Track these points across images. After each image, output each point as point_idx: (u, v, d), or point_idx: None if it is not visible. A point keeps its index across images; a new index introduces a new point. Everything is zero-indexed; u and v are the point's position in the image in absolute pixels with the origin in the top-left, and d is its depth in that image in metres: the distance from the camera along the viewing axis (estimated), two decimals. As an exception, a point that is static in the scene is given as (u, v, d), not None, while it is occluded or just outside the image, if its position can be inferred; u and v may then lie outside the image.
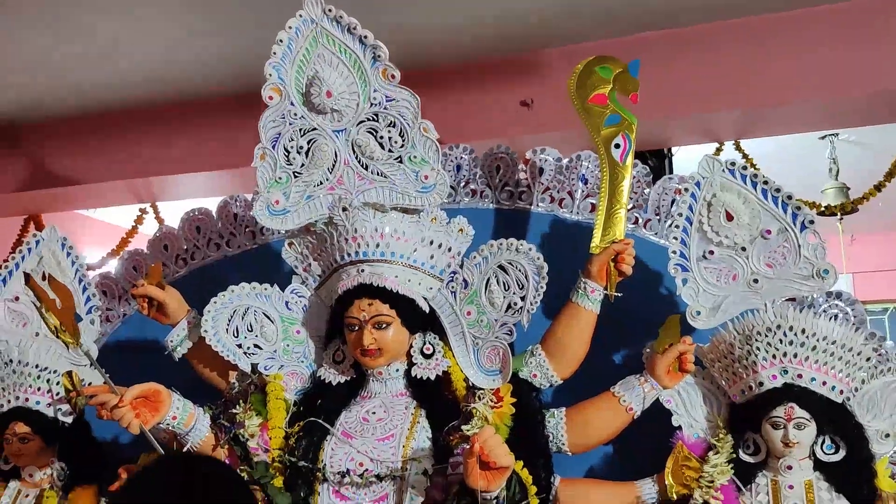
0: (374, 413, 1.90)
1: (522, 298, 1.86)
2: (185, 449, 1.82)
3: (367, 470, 1.79)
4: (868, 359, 1.78)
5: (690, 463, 1.84)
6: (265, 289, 2.01)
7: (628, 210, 1.98)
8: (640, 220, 2.22)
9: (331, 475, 1.80)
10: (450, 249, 1.95)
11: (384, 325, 1.86)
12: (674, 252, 1.93)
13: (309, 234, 2.02)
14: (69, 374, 2.02)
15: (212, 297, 1.98)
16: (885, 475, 1.80)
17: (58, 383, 2.15)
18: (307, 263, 2.04)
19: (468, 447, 1.64)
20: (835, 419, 1.76)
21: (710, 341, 1.90)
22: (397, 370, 1.94)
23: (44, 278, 1.87)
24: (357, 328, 1.87)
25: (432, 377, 1.91)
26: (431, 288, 1.95)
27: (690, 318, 1.91)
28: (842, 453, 1.77)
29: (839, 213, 4.45)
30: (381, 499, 1.80)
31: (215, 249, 2.55)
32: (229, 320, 1.98)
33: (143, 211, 4.53)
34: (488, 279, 1.90)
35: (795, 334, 1.75)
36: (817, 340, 1.74)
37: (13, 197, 4.29)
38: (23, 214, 4.69)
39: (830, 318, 1.85)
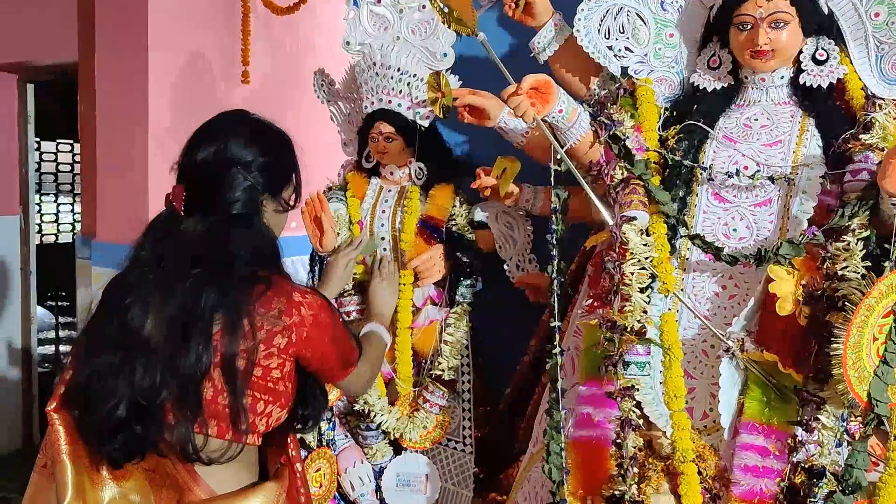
0: (756, 120, 1.84)
1: (953, -6, 1.66)
2: (567, 146, 1.86)
3: (756, 172, 1.76)
4: None
5: None
6: (641, -13, 1.93)
7: None
8: None
9: (715, 175, 1.79)
10: (864, -61, 1.75)
11: (781, 24, 1.74)
12: None
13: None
14: (437, 74, 2.08)
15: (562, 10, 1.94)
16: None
17: (417, 87, 2.24)
18: (691, -40, 1.91)
19: (891, 149, 1.56)
20: None
21: None
22: (782, 77, 1.84)
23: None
24: (750, 27, 1.76)
25: (824, 85, 1.80)
26: (834, -15, 1.78)
27: None
28: None
29: None
30: (763, 203, 1.79)
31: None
32: (601, 20, 1.94)
33: None
34: (910, -27, 1.70)
35: None
36: None
37: None
38: None
39: None
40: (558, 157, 1.79)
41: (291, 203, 1.53)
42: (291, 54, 4.01)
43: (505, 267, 2.33)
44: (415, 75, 2.24)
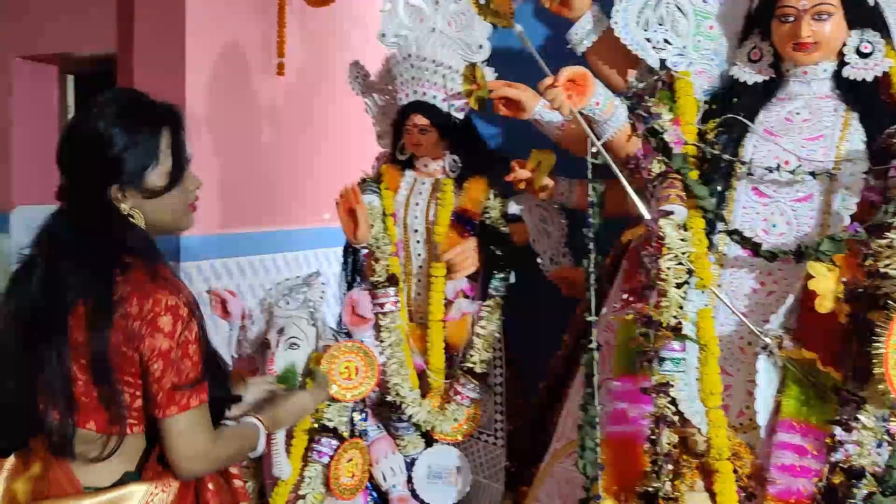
0: (798, 114, 1.81)
1: None
2: (604, 139, 1.84)
3: (797, 167, 1.73)
4: None
5: None
6: (681, -23, 1.90)
7: None
8: None
9: (755, 169, 1.77)
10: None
11: (825, 16, 1.71)
12: None
13: None
14: (472, 66, 2.08)
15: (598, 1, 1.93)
16: None
17: (452, 79, 2.24)
18: (732, -50, 1.88)
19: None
20: None
21: None
22: (825, 70, 1.80)
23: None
24: (793, 19, 1.73)
25: (868, 78, 1.76)
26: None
27: None
28: None
29: None
30: (804, 198, 1.76)
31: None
32: (640, 12, 1.91)
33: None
34: (964, -38, 1.66)
35: None
36: None
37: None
38: None
39: None
40: (595, 150, 1.78)
41: (163, 186, 1.38)
42: (327, 46, 4.03)
43: (539, 260, 2.32)
44: (450, 67, 2.24)
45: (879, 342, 1.54)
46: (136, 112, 1.39)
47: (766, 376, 1.71)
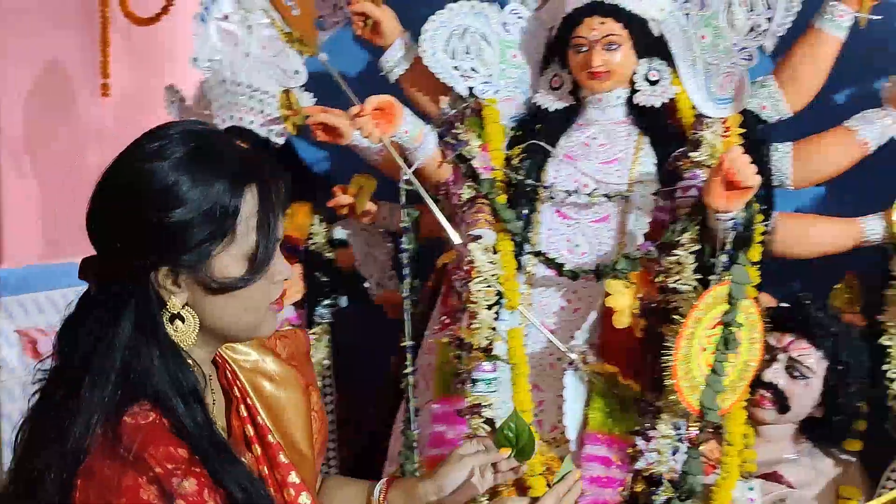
0: (594, 139, 1.90)
1: (769, 20, 1.75)
2: (415, 165, 1.87)
3: (594, 190, 1.82)
4: None
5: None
6: (483, 7, 1.96)
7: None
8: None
9: (556, 193, 1.84)
10: (688, -34, 1.82)
11: (614, 47, 1.80)
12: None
13: (531, -52, 1.93)
14: (286, 92, 2.06)
15: (411, 28, 1.95)
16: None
17: (269, 104, 2.20)
18: (529, -19, 1.95)
19: (714, 167, 1.64)
20: None
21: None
22: (619, 97, 1.90)
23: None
24: (586, 49, 1.82)
25: (657, 104, 1.87)
26: (662, 9, 1.85)
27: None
28: None
29: None
30: (602, 220, 1.85)
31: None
32: (447, 41, 1.95)
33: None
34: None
35: None
36: None
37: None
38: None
39: None
40: (406, 177, 1.81)
41: (238, 276, 0.92)
42: (153, 67, 3.87)
43: (366, 285, 2.32)
44: (266, 92, 2.20)
45: (669, 354, 1.63)
46: (210, 160, 0.92)
47: (573, 391, 1.78)
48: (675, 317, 1.66)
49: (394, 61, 2.03)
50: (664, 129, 1.87)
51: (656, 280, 1.75)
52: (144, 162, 0.90)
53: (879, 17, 1.74)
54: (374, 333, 2.34)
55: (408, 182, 1.85)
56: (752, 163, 1.83)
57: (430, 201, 1.76)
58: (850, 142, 1.83)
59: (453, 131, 1.94)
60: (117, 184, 0.92)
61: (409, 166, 1.86)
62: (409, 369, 1.91)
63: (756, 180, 1.58)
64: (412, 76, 2.05)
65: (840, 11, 1.76)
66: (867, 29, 1.78)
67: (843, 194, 2.00)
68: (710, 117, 1.83)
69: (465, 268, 1.79)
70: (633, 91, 1.88)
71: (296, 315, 2.28)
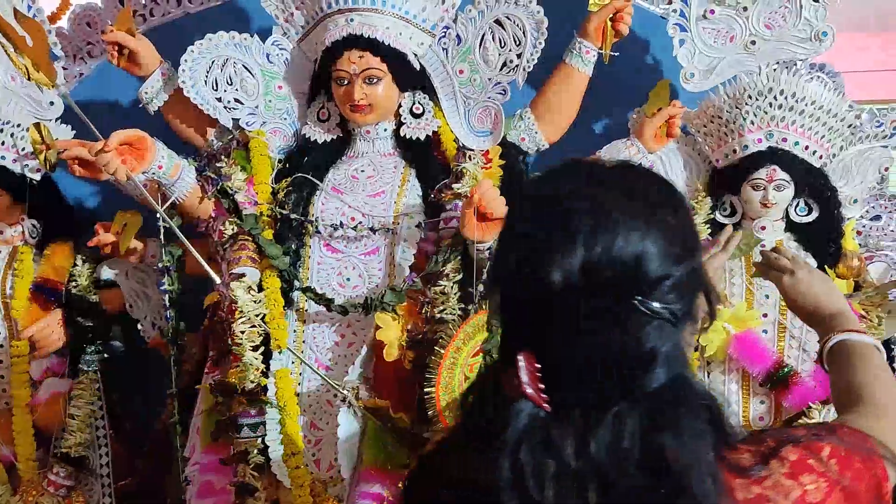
0: (362, 171, 1.89)
1: (519, 56, 1.82)
2: (169, 202, 1.78)
3: (359, 223, 1.80)
4: (849, 125, 1.83)
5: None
6: (244, 38, 1.91)
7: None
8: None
9: (322, 227, 1.81)
10: (443, 1, 1.86)
11: (375, 80, 1.81)
12: (674, 11, 1.90)
13: (290, -18, 1.90)
14: (37, 126, 1.91)
15: (172, 60, 1.88)
16: (850, 236, 1.92)
17: (22, 138, 2.04)
18: (289, 13, 1.91)
19: (466, 199, 1.67)
20: (812, 183, 1.83)
21: (699, 106, 1.92)
22: (385, 129, 1.90)
23: (16, 17, 1.69)
24: (347, 82, 1.81)
25: (422, 137, 1.89)
26: (422, 43, 1.87)
27: (683, 81, 1.91)
28: (814, 215, 1.87)
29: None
30: (371, 252, 1.84)
31: (176, 5, 2.37)
32: (208, 71, 1.89)
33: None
34: (483, 35, 1.84)
35: (785, 98, 1.78)
36: (805, 105, 1.78)
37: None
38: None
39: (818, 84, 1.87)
40: (159, 214, 1.72)
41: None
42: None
43: (140, 326, 2.18)
44: (18, 125, 2.04)
45: (431, 385, 1.64)
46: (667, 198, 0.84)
47: (346, 427, 1.75)
48: (438, 348, 1.67)
49: (152, 92, 1.93)
50: (429, 160, 1.89)
51: (423, 311, 1.76)
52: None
53: (616, 54, 1.84)
54: (151, 378, 2.21)
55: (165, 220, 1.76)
56: (515, 193, 1.90)
57: (184, 240, 1.68)
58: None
59: (217, 165, 1.87)
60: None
61: (165, 202, 1.77)
62: (175, 417, 1.82)
63: (505, 212, 1.63)
64: (176, 107, 1.96)
65: (586, 48, 1.86)
66: (616, 64, 1.89)
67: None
68: (471, 149, 1.87)
69: (226, 308, 1.73)
70: (400, 123, 1.90)
71: (58, 363, 2.11)
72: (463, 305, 1.75)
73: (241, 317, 1.72)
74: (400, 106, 1.89)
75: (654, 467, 0.75)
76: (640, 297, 0.77)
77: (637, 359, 0.77)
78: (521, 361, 0.78)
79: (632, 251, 0.76)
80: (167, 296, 1.84)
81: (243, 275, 1.74)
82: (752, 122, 1.80)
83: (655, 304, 0.77)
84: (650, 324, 0.77)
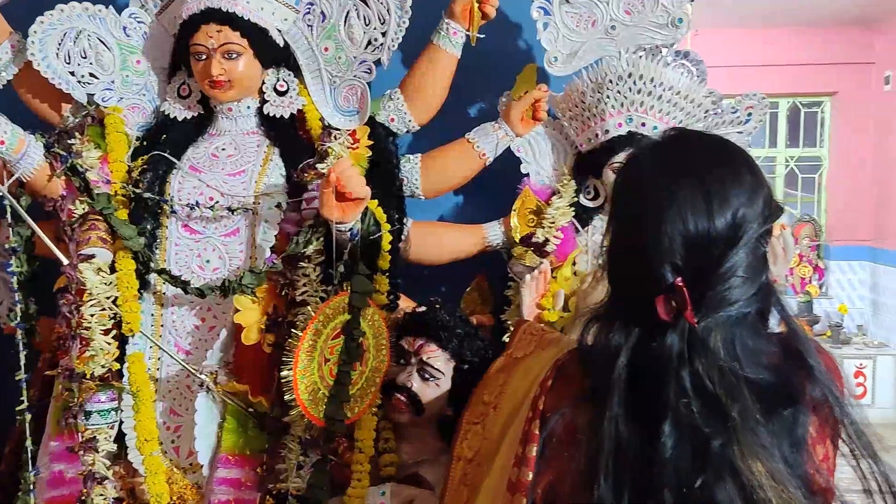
0: (223, 150, 1.84)
1: (384, 34, 1.79)
2: (13, 178, 1.70)
3: (217, 203, 1.76)
4: (706, 111, 1.88)
5: (535, 206, 1.94)
6: (99, 10, 1.82)
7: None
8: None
9: (178, 207, 1.76)
10: (306, -24, 1.82)
11: (234, 55, 1.76)
12: (539, -6, 1.91)
13: (147, -48, 1.83)
14: None
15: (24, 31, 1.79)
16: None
17: None
18: (146, -14, 1.84)
19: (324, 179, 1.64)
20: None
21: (564, 90, 1.94)
22: (248, 107, 1.86)
23: None
24: (205, 57, 1.75)
25: (286, 115, 1.85)
26: (286, 19, 1.83)
27: (548, 64, 1.93)
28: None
29: None
30: (232, 233, 1.79)
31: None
32: (59, 44, 1.80)
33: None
34: (348, 12, 1.81)
35: (644, 83, 1.81)
36: (663, 90, 1.82)
37: None
38: None
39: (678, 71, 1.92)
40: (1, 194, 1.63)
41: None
42: None
43: (-5, 312, 2.07)
44: None
45: (289, 369, 1.61)
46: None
47: (204, 413, 1.71)
48: (296, 331, 1.64)
49: (1, 65, 1.83)
50: (294, 139, 1.85)
51: (283, 293, 1.73)
52: None
53: (482, 36, 1.84)
54: (12, 366, 2.10)
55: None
56: (383, 174, 1.89)
57: (27, 218, 1.60)
58: (470, 153, 1.93)
59: (69, 141, 1.78)
60: None
61: (11, 177, 1.69)
62: (23, 405, 1.74)
63: (365, 192, 1.61)
64: (28, 81, 1.86)
65: (453, 29, 1.85)
66: (488, 47, 1.89)
67: (471, 205, 2.12)
68: (337, 129, 1.84)
69: (73, 291, 1.66)
70: (264, 101, 1.85)
71: None
72: (325, 287, 1.73)
73: (90, 299, 1.65)
74: (263, 83, 1.85)
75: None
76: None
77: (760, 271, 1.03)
78: (680, 282, 0.99)
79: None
80: (15, 278, 1.75)
81: (93, 256, 1.67)
82: (613, 107, 1.83)
83: None
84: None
